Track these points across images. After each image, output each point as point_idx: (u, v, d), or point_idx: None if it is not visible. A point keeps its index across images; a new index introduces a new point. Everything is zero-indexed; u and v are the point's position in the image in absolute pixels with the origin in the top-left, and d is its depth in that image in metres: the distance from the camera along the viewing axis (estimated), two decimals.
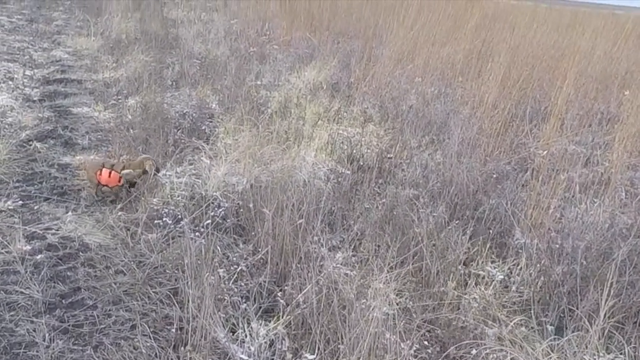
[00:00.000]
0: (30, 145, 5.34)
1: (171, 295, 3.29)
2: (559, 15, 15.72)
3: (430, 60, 8.44)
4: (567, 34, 11.25)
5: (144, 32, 10.05)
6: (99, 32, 10.35)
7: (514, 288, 3.46)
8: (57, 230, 3.94)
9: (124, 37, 9.80)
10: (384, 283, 3.20)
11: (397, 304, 3.13)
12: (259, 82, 7.65)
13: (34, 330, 2.96)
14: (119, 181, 4.36)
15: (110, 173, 4.33)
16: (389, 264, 3.31)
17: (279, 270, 3.52)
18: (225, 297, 3.12)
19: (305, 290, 3.09)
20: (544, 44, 9.58)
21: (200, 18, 12.53)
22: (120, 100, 6.67)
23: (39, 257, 3.61)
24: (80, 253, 3.71)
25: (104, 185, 4.38)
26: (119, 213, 4.19)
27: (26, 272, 3.40)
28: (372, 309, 2.86)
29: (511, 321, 3.10)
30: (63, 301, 3.25)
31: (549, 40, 10.01)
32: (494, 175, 5.04)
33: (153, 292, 3.35)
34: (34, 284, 3.31)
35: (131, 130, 5.66)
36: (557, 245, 3.79)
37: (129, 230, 3.98)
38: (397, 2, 14.83)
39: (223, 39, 10.00)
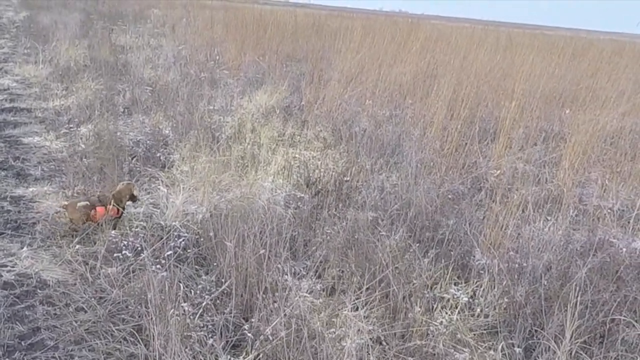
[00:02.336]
0: None
1: (135, 333, 3.21)
2: (495, 36, 16.31)
3: (379, 82, 8.64)
4: (506, 55, 11.71)
5: (92, 59, 9.92)
6: (47, 59, 10.14)
7: (479, 310, 3.55)
8: (13, 267, 3.83)
9: (72, 65, 9.64)
10: (351, 311, 3.26)
11: (368, 333, 3.18)
12: (211, 107, 7.65)
13: None
14: (118, 212, 4.33)
15: (106, 208, 4.27)
16: (354, 291, 3.37)
17: (244, 302, 3.50)
18: (192, 334, 3.10)
19: (273, 324, 3.11)
20: (485, 64, 9.94)
21: (149, 44, 12.46)
22: (72, 129, 6.55)
23: None
24: (38, 290, 3.61)
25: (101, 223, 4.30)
26: (77, 247, 4.10)
27: None
28: (343, 340, 2.91)
29: (480, 345, 3.19)
30: (22, 343, 3.15)
31: (490, 61, 10.39)
32: (450, 196, 5.18)
33: (116, 329, 3.28)
34: None
35: (85, 160, 5.57)
36: (517, 265, 3.92)
37: (87, 264, 3.90)
38: (341, 26, 15.19)
39: (173, 65, 9.97)
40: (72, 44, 10.97)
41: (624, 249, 4.51)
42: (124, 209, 4.41)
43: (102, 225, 4.28)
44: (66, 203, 4.30)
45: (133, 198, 4.46)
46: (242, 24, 12.45)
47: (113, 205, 4.31)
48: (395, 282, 3.56)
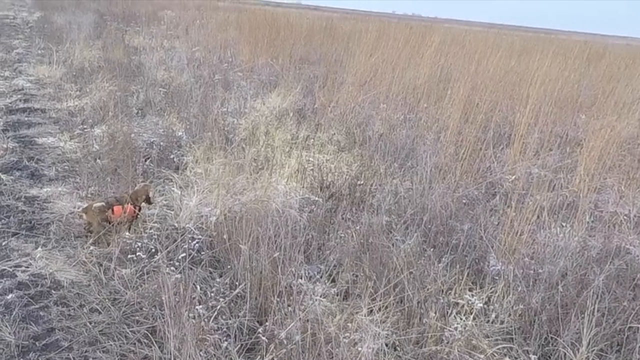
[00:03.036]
0: None
1: (149, 335, 3.21)
2: (509, 40, 16.24)
3: (393, 85, 8.60)
4: (521, 59, 11.63)
5: (106, 60, 9.95)
6: (61, 60, 10.18)
7: (493, 316, 3.51)
8: (27, 267, 3.83)
9: (86, 66, 9.68)
10: (366, 315, 3.23)
11: (383, 338, 3.15)
12: (224, 109, 7.65)
13: None
14: (134, 212, 4.36)
15: (123, 207, 4.28)
16: (370, 296, 3.34)
17: (259, 305, 3.49)
18: (207, 337, 3.08)
19: (288, 327, 3.08)
20: (500, 69, 9.87)
21: (162, 45, 12.49)
22: (85, 130, 6.56)
23: (9, 296, 3.50)
24: (53, 291, 3.61)
25: (117, 223, 4.30)
26: (91, 248, 4.10)
27: None
28: (359, 344, 2.88)
29: (495, 352, 3.15)
30: (37, 343, 3.15)
31: (505, 66, 10.32)
32: (464, 201, 5.14)
33: (130, 331, 3.28)
34: (6, 326, 3.21)
35: (99, 161, 5.58)
36: (532, 271, 3.88)
37: (101, 265, 3.90)
38: (354, 29, 15.17)
39: (186, 66, 9.98)
40: (86, 44, 11.02)
41: None
42: (140, 209, 4.41)
43: (116, 226, 4.27)
44: (85, 206, 4.29)
45: (148, 200, 4.46)
46: (255, 26, 12.46)
47: (130, 204, 4.32)
48: (410, 287, 3.53)
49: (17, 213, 4.60)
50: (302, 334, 3.09)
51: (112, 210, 4.22)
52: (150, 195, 4.47)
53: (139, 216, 4.42)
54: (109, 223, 4.24)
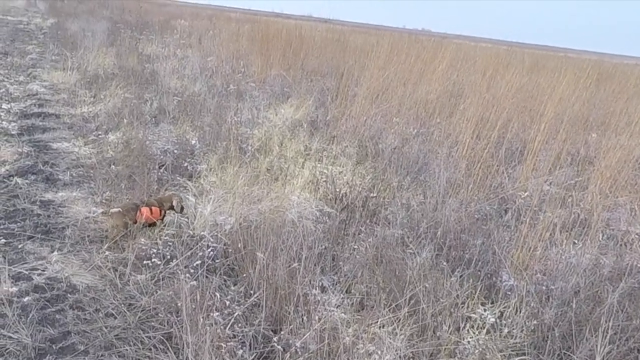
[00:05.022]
0: (11, 180, 5.24)
1: (165, 341, 3.22)
2: (520, 57, 16.27)
3: (405, 100, 8.63)
4: (532, 77, 11.66)
5: (120, 68, 10.03)
6: (75, 66, 10.27)
7: (506, 331, 3.51)
8: (43, 270, 3.85)
9: (101, 72, 9.75)
10: (380, 327, 3.23)
11: (397, 350, 3.14)
12: (237, 119, 7.69)
13: None
14: (160, 214, 4.44)
15: (151, 209, 4.35)
16: (384, 307, 3.34)
17: (274, 314, 3.50)
18: (223, 344, 3.08)
19: (304, 337, 3.09)
20: (512, 86, 9.90)
21: (175, 54, 12.58)
22: (100, 136, 6.61)
23: (26, 299, 3.52)
24: (68, 295, 3.63)
25: (150, 225, 4.42)
26: (106, 253, 4.12)
27: (14, 315, 3.30)
28: (373, 355, 2.88)
29: None
30: (53, 346, 3.16)
31: (517, 83, 10.35)
32: (477, 216, 5.15)
33: (146, 336, 3.28)
34: (23, 328, 3.21)
35: (113, 167, 5.61)
36: (545, 288, 3.88)
37: (116, 271, 3.91)
38: (366, 42, 15.25)
39: (199, 75, 10.04)
40: (100, 51, 11.11)
41: None
42: (164, 214, 4.46)
43: (141, 228, 4.31)
44: (116, 210, 4.32)
45: (173, 208, 4.51)
46: (267, 37, 12.53)
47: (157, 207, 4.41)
48: (424, 300, 3.53)
49: (33, 217, 4.62)
50: (317, 343, 3.09)
51: (140, 212, 4.27)
52: (174, 204, 4.50)
53: (162, 221, 4.47)
54: (135, 223, 4.29)
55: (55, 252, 4.08)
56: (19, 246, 4.13)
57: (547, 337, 3.45)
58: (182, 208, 4.56)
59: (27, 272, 3.80)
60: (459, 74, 11.45)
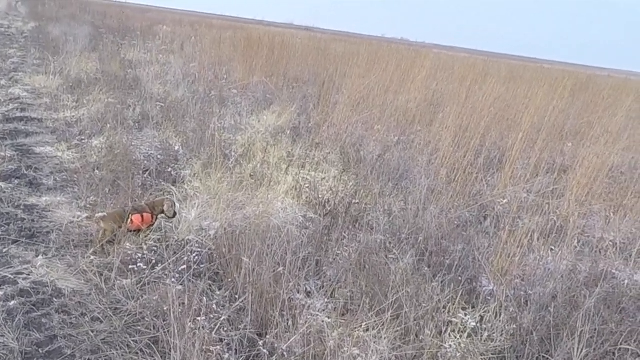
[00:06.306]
0: None
1: (152, 345, 3.25)
2: (497, 67, 16.54)
3: (386, 108, 8.76)
4: (509, 87, 11.87)
5: (103, 73, 10.00)
6: (58, 70, 10.22)
7: (486, 335, 3.60)
8: (29, 274, 3.86)
9: (83, 77, 9.72)
10: (365, 331, 3.30)
11: (380, 353, 3.22)
12: (220, 125, 7.73)
13: None
14: (152, 219, 4.46)
15: (142, 216, 4.37)
16: (368, 311, 3.42)
17: (259, 318, 3.55)
18: (212, 348, 3.13)
19: (290, 341, 3.15)
20: (489, 95, 10.08)
21: (158, 60, 12.57)
22: (83, 141, 6.60)
23: (11, 303, 3.52)
24: (54, 299, 3.64)
25: (135, 230, 4.40)
26: (91, 257, 4.14)
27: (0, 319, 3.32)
28: (358, 358, 2.95)
29: None
30: (40, 350, 3.18)
31: (494, 93, 10.54)
32: (457, 223, 5.26)
33: (132, 341, 3.30)
34: (9, 332, 3.23)
35: (97, 172, 5.62)
36: (523, 293, 3.99)
37: (102, 275, 3.93)
38: (346, 51, 15.39)
39: (182, 81, 10.06)
40: (83, 56, 11.07)
41: (626, 281, 4.61)
42: (156, 219, 4.50)
43: (117, 236, 4.33)
44: (102, 215, 4.34)
45: (162, 212, 4.54)
46: (250, 44, 12.60)
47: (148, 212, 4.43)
48: (407, 304, 3.62)
49: (17, 221, 4.62)
50: (303, 347, 3.15)
51: (131, 219, 4.29)
52: (165, 208, 4.52)
53: (153, 226, 4.51)
54: (129, 231, 4.32)
55: (41, 257, 4.09)
56: (4, 250, 4.13)
57: (526, 341, 3.54)
58: (174, 213, 4.59)
59: (12, 277, 3.80)
60: (438, 83, 11.64)
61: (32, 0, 29.53)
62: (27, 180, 5.46)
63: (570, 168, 7.01)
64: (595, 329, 3.54)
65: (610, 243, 5.38)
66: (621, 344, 3.50)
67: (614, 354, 3.50)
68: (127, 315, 3.53)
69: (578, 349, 3.21)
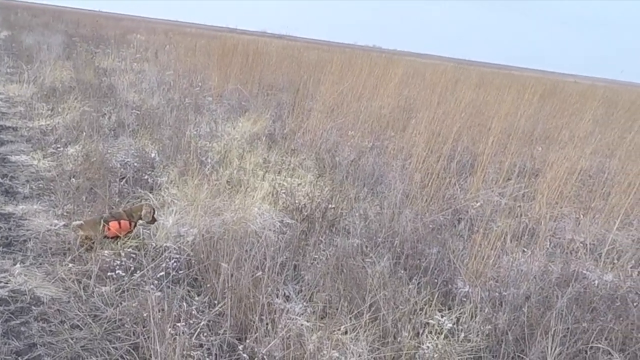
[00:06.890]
0: None
1: (132, 351, 3.27)
2: (467, 74, 16.81)
3: (360, 114, 8.88)
4: (480, 92, 12.11)
5: (78, 81, 9.95)
6: (32, 79, 10.14)
7: (462, 336, 3.70)
8: (6, 283, 3.84)
9: (58, 85, 9.66)
10: (343, 334, 3.37)
11: (359, 356, 3.29)
12: (195, 132, 7.77)
13: None
14: (130, 226, 4.46)
15: (119, 223, 4.38)
16: (345, 315, 3.49)
17: (239, 323, 3.59)
18: (192, 353, 3.17)
19: (269, 345, 3.20)
20: (461, 102, 10.29)
21: (132, 68, 12.54)
22: (59, 149, 6.58)
23: None
24: (33, 307, 3.63)
25: (112, 237, 4.40)
26: (69, 265, 4.14)
27: None
28: None
29: None
30: (19, 358, 3.16)
31: (465, 98, 10.76)
32: (432, 226, 5.37)
33: (112, 347, 3.31)
34: None
35: (73, 180, 5.61)
36: (498, 294, 4.10)
37: (80, 282, 3.93)
38: (320, 58, 15.52)
39: (157, 89, 10.06)
40: (57, 65, 11.00)
41: (596, 281, 4.76)
42: (135, 226, 4.52)
43: (95, 243, 4.33)
44: (79, 223, 4.34)
45: (140, 218, 4.56)
46: (224, 52, 12.65)
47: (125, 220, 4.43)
48: (384, 307, 3.70)
49: None
50: (282, 350, 3.21)
51: (108, 226, 4.30)
52: (143, 214, 4.53)
53: (131, 233, 4.53)
54: (106, 237, 4.34)
55: (18, 265, 4.07)
56: None
57: (502, 341, 3.62)
58: (153, 219, 4.60)
59: None
60: (411, 89, 11.82)
61: (4, 9, 29.14)
62: (2, 189, 5.42)
63: (541, 172, 7.18)
64: (568, 328, 3.65)
65: (581, 244, 5.53)
66: (593, 342, 3.61)
67: (586, 352, 3.60)
68: (107, 322, 3.54)
69: (552, 347, 3.31)
